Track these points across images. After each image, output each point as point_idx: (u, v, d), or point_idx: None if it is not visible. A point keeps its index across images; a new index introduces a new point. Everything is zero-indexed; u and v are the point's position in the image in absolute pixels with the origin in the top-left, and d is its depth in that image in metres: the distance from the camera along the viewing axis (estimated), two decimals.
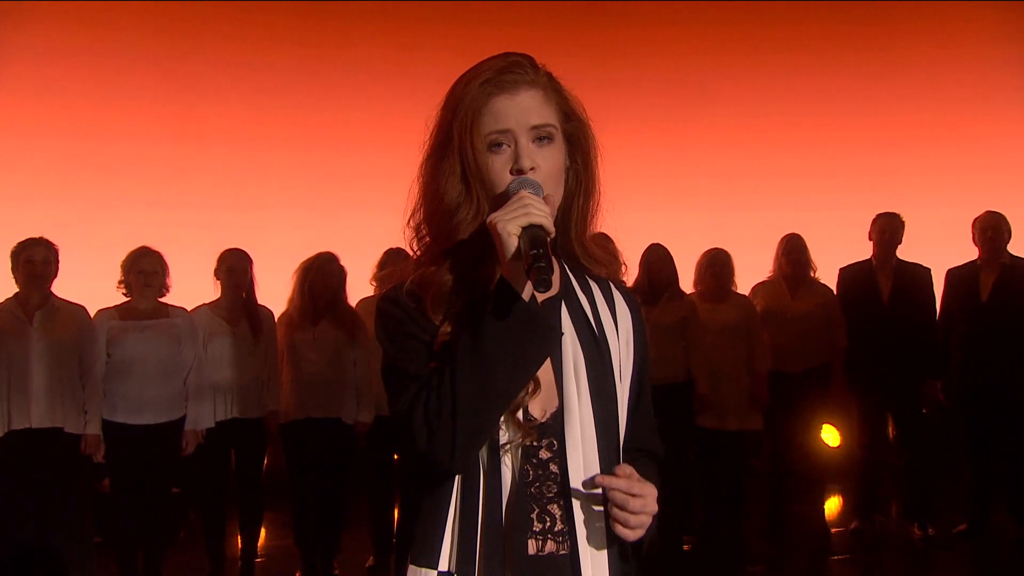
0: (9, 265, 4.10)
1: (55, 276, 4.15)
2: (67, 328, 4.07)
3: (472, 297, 1.30)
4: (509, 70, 1.32)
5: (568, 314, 1.37)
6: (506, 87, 1.31)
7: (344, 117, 6.16)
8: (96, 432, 4.05)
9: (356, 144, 6.16)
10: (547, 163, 1.32)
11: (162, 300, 4.29)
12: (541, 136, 1.32)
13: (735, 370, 4.90)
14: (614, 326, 1.40)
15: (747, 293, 5.19)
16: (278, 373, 4.45)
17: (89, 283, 4.48)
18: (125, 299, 4.26)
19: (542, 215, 1.21)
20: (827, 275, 5.19)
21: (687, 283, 5.05)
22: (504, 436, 1.29)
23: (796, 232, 5.18)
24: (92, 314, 4.19)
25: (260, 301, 4.50)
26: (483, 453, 1.28)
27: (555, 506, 1.31)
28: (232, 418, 4.33)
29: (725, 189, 6.85)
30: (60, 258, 4.18)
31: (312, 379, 4.36)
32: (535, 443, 1.31)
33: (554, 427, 1.31)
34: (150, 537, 4.16)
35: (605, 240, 1.50)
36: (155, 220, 5.27)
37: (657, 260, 4.89)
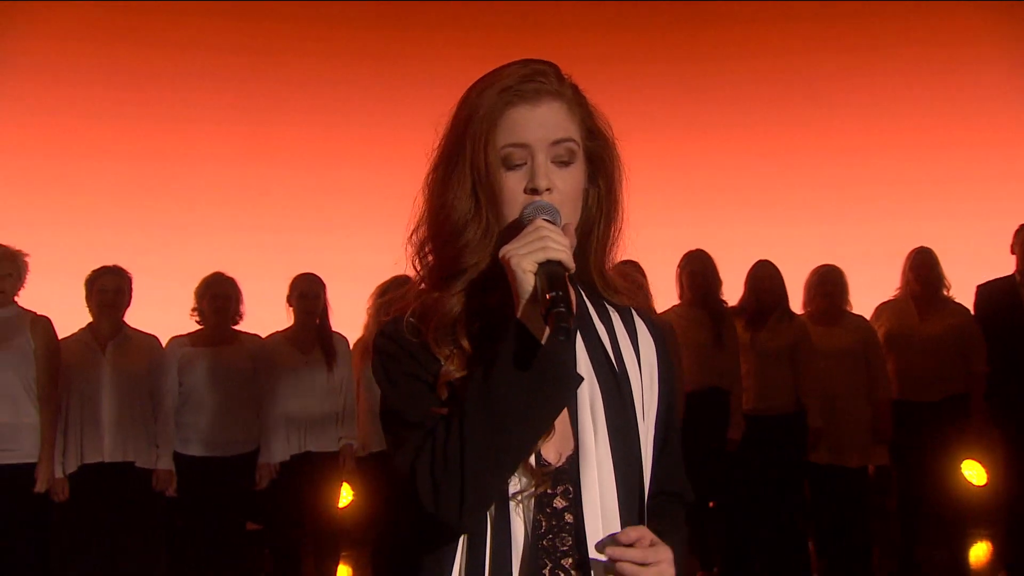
0: (84, 294, 4.10)
1: (128, 305, 4.14)
2: (139, 359, 4.04)
3: (479, 331, 1.20)
4: (531, 78, 1.23)
5: (584, 346, 1.27)
6: (527, 97, 1.22)
7: (422, 136, 6.05)
8: (168, 467, 4.00)
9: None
10: (566, 184, 1.22)
11: (235, 327, 4.22)
12: (561, 154, 1.23)
13: (853, 399, 4.57)
14: (636, 359, 1.31)
15: (870, 314, 4.83)
16: (354, 404, 4.31)
17: (164, 311, 4.46)
18: (198, 327, 4.22)
19: (561, 249, 1.12)
20: (962, 293, 4.77)
21: (797, 303, 4.76)
22: (515, 485, 1.19)
23: (925, 246, 4.77)
24: (165, 343, 4.16)
25: (335, 328, 4.38)
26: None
27: (569, 560, 1.21)
28: (306, 451, 4.21)
29: (840, 199, 6.43)
30: (134, 286, 4.16)
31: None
32: (549, 491, 1.21)
33: (570, 472, 1.21)
34: (222, 574, 4.07)
35: (631, 269, 1.33)
36: (228, 245, 5.26)
37: (765, 278, 4.64)
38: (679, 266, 4.78)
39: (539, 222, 1.15)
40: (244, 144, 5.91)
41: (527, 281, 1.11)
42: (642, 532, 1.19)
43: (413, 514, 1.17)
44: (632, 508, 1.23)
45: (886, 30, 6.50)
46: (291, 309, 4.36)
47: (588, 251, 1.31)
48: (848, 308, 4.73)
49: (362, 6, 6.29)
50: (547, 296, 1.07)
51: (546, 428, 1.17)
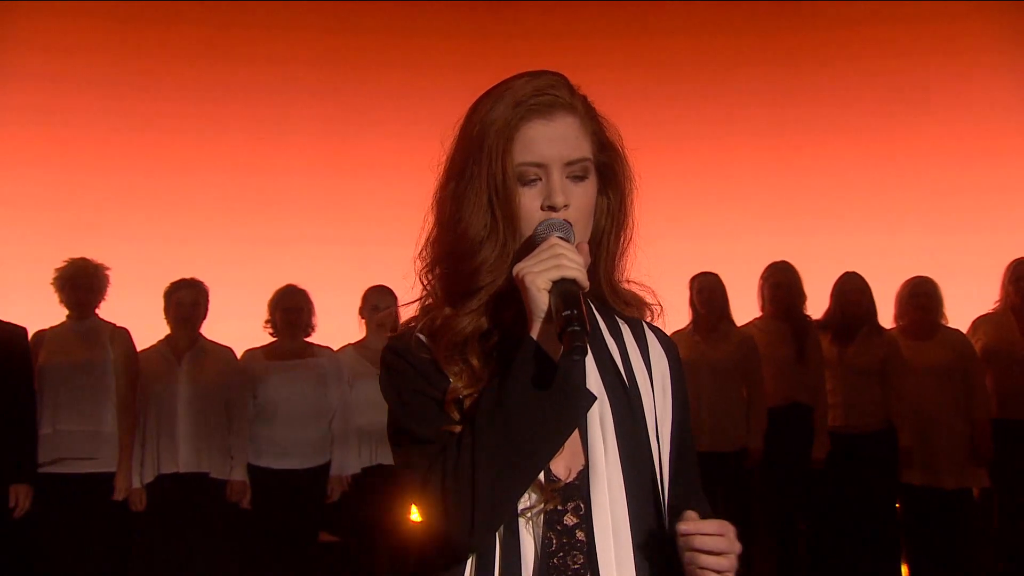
0: (162, 306, 4.20)
1: (204, 318, 4.23)
2: (214, 370, 4.12)
3: (492, 349, 1.20)
4: (544, 91, 1.22)
5: (594, 360, 1.25)
6: (541, 111, 1.21)
7: None
8: (242, 478, 4.06)
9: None
10: (580, 201, 1.22)
11: (308, 340, 4.27)
12: (576, 171, 1.22)
13: (948, 418, 4.40)
14: (647, 372, 1.30)
15: (966, 328, 4.60)
16: None
17: (241, 323, 4.54)
18: (272, 339, 4.28)
19: (575, 267, 1.12)
20: None
21: (887, 317, 4.59)
22: (525, 501, 1.17)
23: None
24: (240, 355, 4.24)
25: None
26: None
27: None
28: (378, 464, 4.22)
29: (935, 208, 6.17)
30: (210, 298, 4.25)
31: None
32: (559, 507, 1.19)
33: (581, 488, 1.20)
34: None
35: (635, 286, 1.35)
36: (302, 257, 5.33)
37: (853, 291, 4.51)
38: (762, 278, 4.68)
39: (553, 240, 1.15)
40: (320, 157, 6.00)
41: (541, 299, 1.11)
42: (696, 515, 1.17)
43: (422, 532, 1.16)
44: (645, 524, 1.21)
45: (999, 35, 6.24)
46: (363, 321, 4.39)
47: (598, 263, 1.30)
48: (943, 322, 4.56)
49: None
50: (562, 315, 1.07)
51: (558, 447, 1.17)
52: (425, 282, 1.27)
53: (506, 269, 1.19)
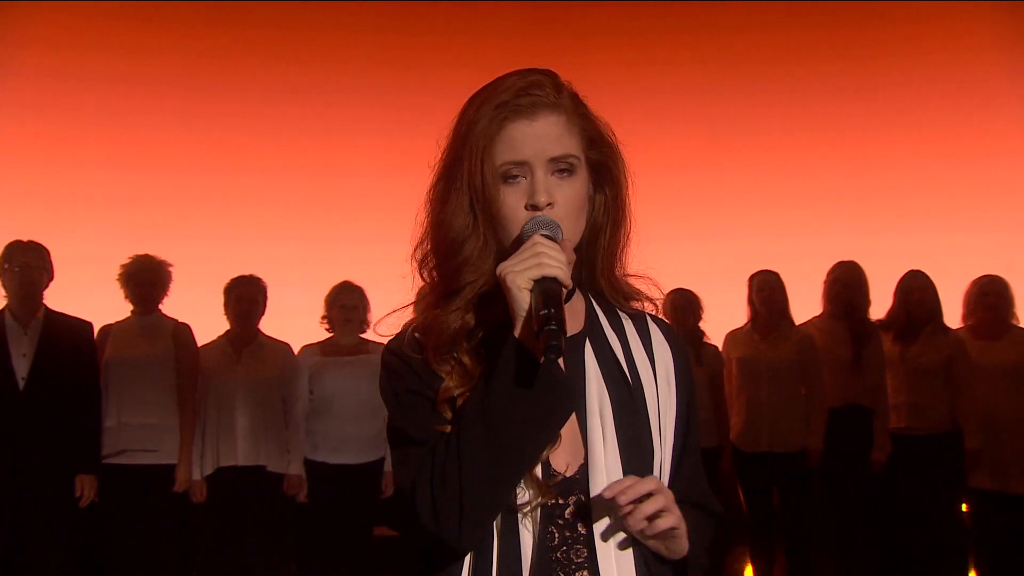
0: (222, 302, 4.31)
1: (263, 314, 4.32)
2: (272, 365, 4.21)
3: (480, 347, 1.20)
4: (527, 91, 1.22)
5: (593, 353, 1.27)
6: (523, 111, 1.21)
7: None
8: (299, 472, 4.14)
9: None
10: (566, 198, 1.22)
11: (363, 336, 4.33)
12: (561, 167, 1.23)
13: (1018, 420, 4.26)
14: (650, 366, 1.30)
15: None
16: None
17: (298, 319, 4.62)
18: (328, 335, 4.35)
19: (557, 265, 1.12)
20: None
21: (953, 317, 4.49)
22: (522, 496, 1.19)
23: None
24: (297, 351, 4.32)
25: None
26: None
27: (584, 573, 1.20)
28: None
29: (1003, 204, 5.99)
30: (269, 294, 4.34)
31: None
32: (560, 501, 1.21)
33: (582, 482, 1.21)
34: None
35: (636, 280, 1.36)
36: (358, 254, 5.40)
37: (917, 289, 4.41)
38: (827, 275, 4.59)
39: (536, 238, 1.15)
40: (380, 157, 6.08)
41: (523, 298, 1.11)
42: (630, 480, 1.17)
43: (417, 531, 1.17)
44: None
45: None
46: None
47: (596, 258, 1.32)
48: (1014, 322, 4.44)
49: None
50: (540, 314, 1.07)
51: (545, 445, 1.17)
52: (423, 281, 1.29)
53: (489, 267, 1.21)
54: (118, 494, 3.85)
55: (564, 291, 1.13)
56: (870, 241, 5.47)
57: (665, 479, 1.26)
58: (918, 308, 4.38)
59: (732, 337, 4.63)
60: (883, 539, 4.38)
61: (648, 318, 1.36)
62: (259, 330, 4.31)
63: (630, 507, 1.15)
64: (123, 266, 4.13)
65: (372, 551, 4.48)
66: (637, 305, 1.35)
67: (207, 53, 5.91)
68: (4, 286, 3.77)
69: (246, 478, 4.06)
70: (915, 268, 4.48)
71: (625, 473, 1.20)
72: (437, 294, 1.25)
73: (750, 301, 4.58)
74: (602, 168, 1.29)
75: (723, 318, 4.78)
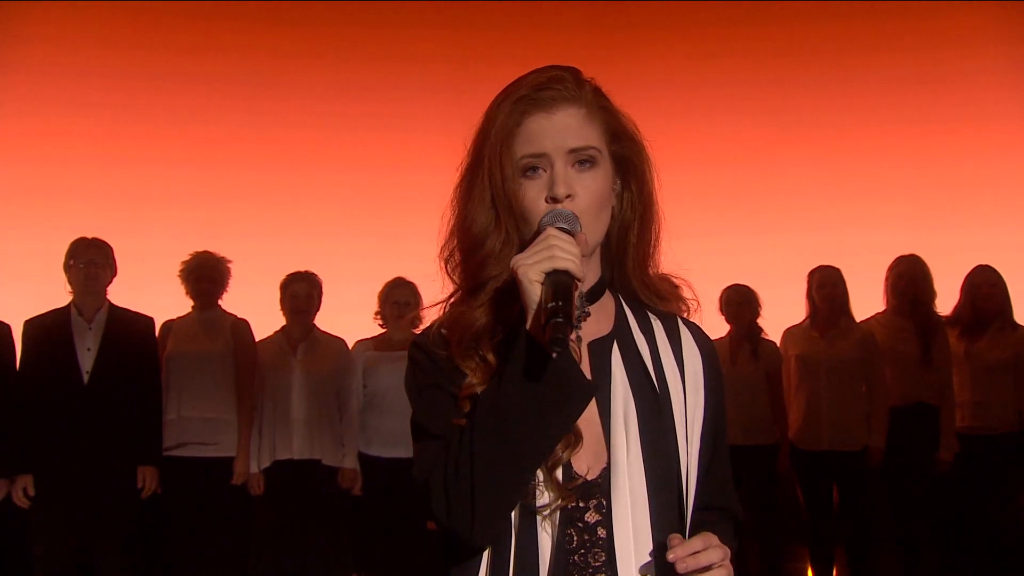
0: (279, 297, 4.40)
1: (317, 310, 4.39)
2: (326, 361, 4.28)
3: (502, 343, 1.19)
4: (547, 86, 1.23)
5: (620, 356, 1.26)
6: (542, 105, 1.22)
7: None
8: (353, 466, 4.21)
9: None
10: (587, 191, 1.22)
11: (416, 332, 4.37)
12: (582, 160, 1.22)
13: None
14: (678, 370, 1.29)
15: None
16: None
17: (352, 314, 4.69)
18: (382, 330, 4.41)
19: (569, 258, 1.10)
20: None
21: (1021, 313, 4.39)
22: (541, 498, 1.18)
23: None
24: (351, 346, 4.39)
25: None
26: (514, 517, 1.18)
27: None
28: None
29: None
30: (323, 290, 4.41)
31: None
32: (580, 504, 1.20)
33: (604, 486, 1.21)
34: (407, 572, 4.22)
35: (669, 280, 1.35)
36: (411, 251, 5.45)
37: (984, 284, 4.31)
38: (888, 271, 4.51)
39: (549, 231, 1.14)
40: (434, 153, 6.10)
41: (534, 291, 1.11)
42: (704, 540, 1.17)
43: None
44: (668, 524, 1.21)
45: None
46: None
47: (626, 256, 1.31)
48: None
49: None
50: (547, 306, 1.06)
51: (557, 440, 1.16)
52: (451, 278, 1.29)
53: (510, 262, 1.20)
54: (178, 486, 3.97)
55: (577, 284, 1.11)
56: (932, 235, 5.35)
57: (691, 485, 1.25)
58: (987, 304, 4.27)
59: (790, 333, 4.57)
60: (947, 541, 4.29)
61: (679, 321, 1.34)
62: (314, 325, 4.39)
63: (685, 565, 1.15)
64: (184, 263, 4.25)
65: (425, 543, 4.53)
66: (669, 306, 1.34)
67: (268, 51, 6.02)
68: (70, 282, 3.90)
69: (301, 471, 4.14)
70: (983, 263, 4.37)
71: (648, 479, 1.20)
72: (462, 290, 1.26)
73: (809, 297, 4.52)
74: (626, 163, 1.28)
75: (781, 314, 4.72)
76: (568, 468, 1.19)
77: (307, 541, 4.13)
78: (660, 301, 1.33)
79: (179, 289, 4.27)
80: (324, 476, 4.16)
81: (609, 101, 1.28)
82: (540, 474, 1.17)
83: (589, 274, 1.26)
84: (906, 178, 6.08)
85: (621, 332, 1.29)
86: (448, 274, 1.30)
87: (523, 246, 1.19)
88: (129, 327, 3.93)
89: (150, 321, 4.03)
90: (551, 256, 1.10)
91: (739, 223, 6.00)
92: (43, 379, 3.75)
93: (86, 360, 3.81)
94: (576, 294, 1.11)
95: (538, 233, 1.18)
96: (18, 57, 5.57)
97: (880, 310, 4.54)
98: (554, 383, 1.11)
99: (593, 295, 1.29)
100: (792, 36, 6.23)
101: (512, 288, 1.18)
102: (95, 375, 3.79)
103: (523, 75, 1.26)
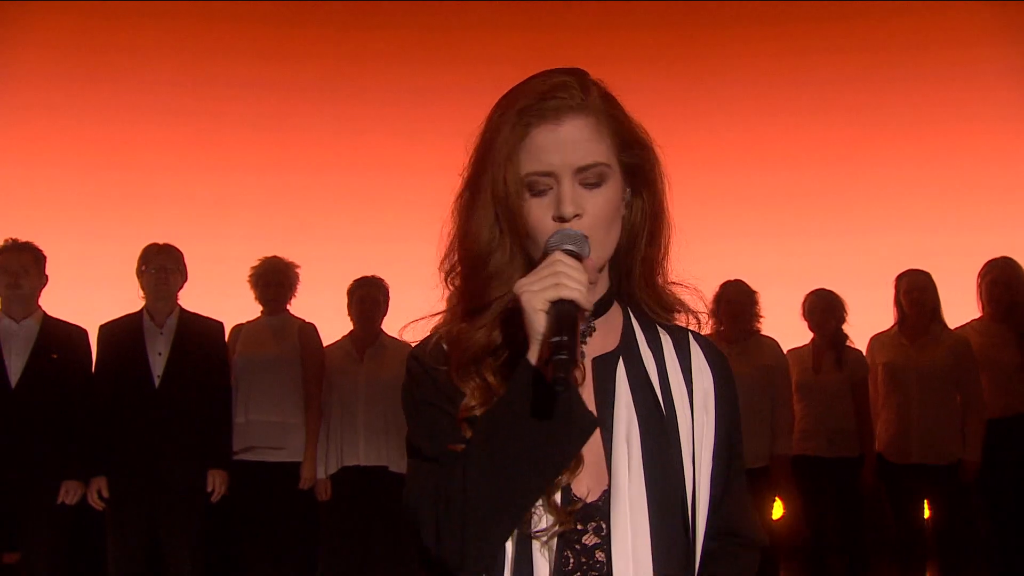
0: (346, 302, 4.44)
1: (385, 314, 4.42)
2: (394, 366, 4.29)
3: (505, 365, 1.16)
4: (552, 94, 1.17)
5: (626, 374, 1.22)
6: (548, 116, 1.16)
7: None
8: None
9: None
10: (596, 208, 1.17)
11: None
12: (589, 177, 1.17)
13: None
14: (686, 390, 1.24)
15: None
16: None
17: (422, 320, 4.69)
18: None
19: (576, 287, 1.06)
20: None
21: None
22: (539, 522, 1.14)
23: None
24: None
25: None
26: (510, 542, 1.14)
27: None
28: None
29: None
30: (391, 295, 4.44)
31: None
32: (579, 526, 1.17)
33: (604, 509, 1.17)
34: None
35: (681, 289, 1.29)
36: None
37: None
38: (979, 275, 4.32)
39: (556, 256, 1.10)
40: None
41: (538, 320, 1.07)
42: None
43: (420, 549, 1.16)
44: (670, 551, 1.17)
45: None
46: None
47: (633, 268, 1.26)
48: None
49: None
50: (551, 341, 1.03)
51: (553, 478, 1.13)
52: (450, 289, 1.26)
53: (515, 283, 1.16)
54: (246, 490, 4.03)
55: (586, 313, 1.08)
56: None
57: (701, 510, 1.21)
58: None
59: (878, 341, 4.43)
60: None
61: (690, 335, 1.30)
62: (381, 331, 4.41)
63: None
64: (253, 268, 4.33)
65: None
66: (680, 319, 1.30)
67: (343, 57, 6.12)
68: (142, 287, 4.01)
69: (368, 478, 4.17)
70: None
71: (650, 504, 1.16)
72: (464, 307, 1.22)
73: (897, 302, 4.38)
74: (637, 171, 1.23)
75: (868, 320, 4.57)
76: (567, 491, 1.16)
77: (374, 548, 4.15)
78: (668, 314, 1.29)
79: (249, 294, 4.34)
80: (391, 483, 4.17)
81: (618, 106, 1.22)
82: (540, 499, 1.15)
83: (599, 287, 1.23)
84: (998, 178, 5.83)
85: (627, 348, 1.25)
86: (448, 287, 1.27)
87: (529, 265, 1.17)
88: (199, 332, 4.01)
89: (220, 326, 4.10)
90: (557, 284, 1.07)
91: (824, 225, 5.83)
92: (116, 383, 3.85)
93: (157, 364, 3.90)
94: (581, 326, 1.07)
95: (545, 255, 1.14)
96: (100, 65, 5.77)
97: (975, 316, 4.35)
98: (558, 422, 1.08)
99: (600, 308, 1.25)
100: (885, 31, 6.05)
101: (517, 311, 1.13)
102: (166, 379, 3.87)
103: (525, 80, 1.21)
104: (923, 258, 4.54)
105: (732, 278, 4.41)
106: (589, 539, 1.17)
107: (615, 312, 1.28)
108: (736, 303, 4.35)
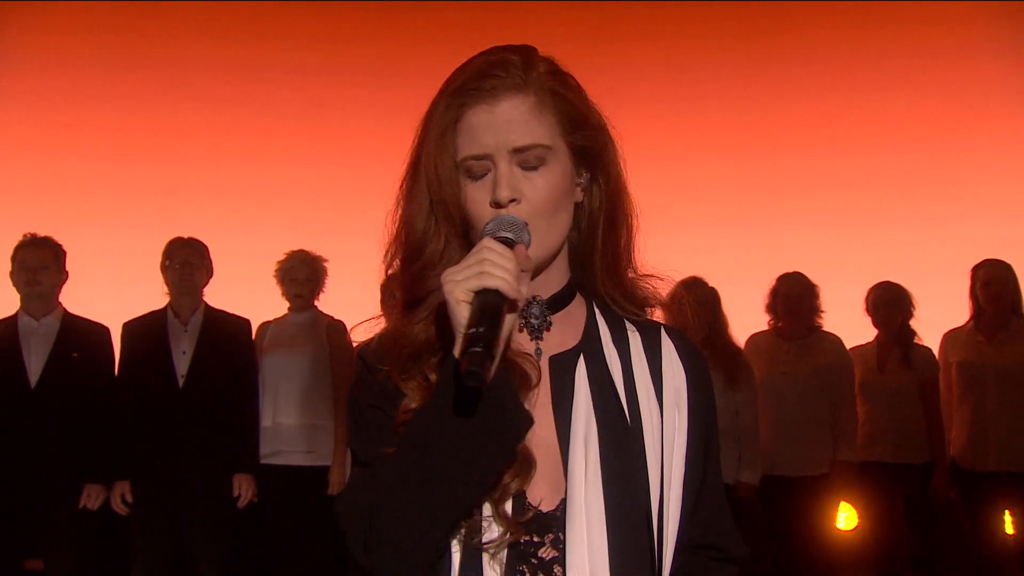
0: (379, 299, 4.28)
1: None
2: None
3: (440, 363, 1.10)
4: (490, 72, 1.11)
5: (586, 373, 1.17)
6: (483, 96, 1.11)
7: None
8: None
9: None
10: (537, 192, 1.11)
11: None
12: (528, 159, 1.11)
13: None
14: (654, 389, 1.18)
15: None
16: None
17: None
18: None
19: (501, 275, 1.00)
20: None
21: None
22: (488, 533, 1.08)
23: None
24: None
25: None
26: (456, 555, 1.07)
27: None
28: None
29: None
30: None
31: None
32: (535, 538, 1.10)
33: (562, 519, 1.11)
34: None
35: (650, 283, 1.23)
36: None
37: None
38: None
39: (484, 243, 1.04)
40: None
41: (461, 312, 1.00)
42: None
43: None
44: (632, 565, 1.10)
45: None
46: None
47: (593, 259, 1.20)
48: None
49: None
50: (467, 333, 0.97)
51: (486, 482, 1.05)
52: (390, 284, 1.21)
53: None
54: (274, 494, 3.91)
55: (518, 303, 1.01)
56: None
57: (671, 519, 1.14)
58: None
59: (951, 338, 4.21)
60: None
61: (663, 330, 1.23)
62: None
63: None
64: (279, 262, 4.20)
65: None
66: (648, 314, 1.23)
67: (380, 43, 6.00)
68: (166, 283, 3.91)
69: None
70: None
71: (608, 512, 1.09)
72: (403, 300, 1.17)
73: (973, 296, 4.15)
74: (590, 154, 1.16)
75: (938, 316, 4.34)
76: (521, 499, 1.09)
77: None
78: (638, 309, 1.22)
79: (276, 289, 4.21)
80: None
81: (569, 85, 1.15)
82: (487, 507, 1.07)
83: (554, 279, 1.18)
84: None
85: (589, 346, 1.19)
86: (388, 278, 1.22)
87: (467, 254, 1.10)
88: (225, 330, 3.91)
89: (246, 323, 3.99)
90: (480, 272, 1.00)
91: (889, 212, 5.55)
92: (139, 383, 3.76)
93: (181, 364, 3.80)
94: (505, 317, 1.00)
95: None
96: (121, 53, 5.71)
97: None
98: (477, 419, 1.01)
99: (558, 302, 1.19)
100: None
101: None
102: (190, 379, 3.77)
103: (470, 59, 1.14)
104: (1001, 248, 4.30)
105: (790, 270, 4.22)
106: (546, 552, 1.11)
107: (577, 307, 1.22)
108: (794, 297, 4.14)
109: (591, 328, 1.20)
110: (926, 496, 4.14)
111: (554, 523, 1.11)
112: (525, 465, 1.08)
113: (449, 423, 1.02)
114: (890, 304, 4.25)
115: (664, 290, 1.24)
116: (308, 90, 5.88)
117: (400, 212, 1.18)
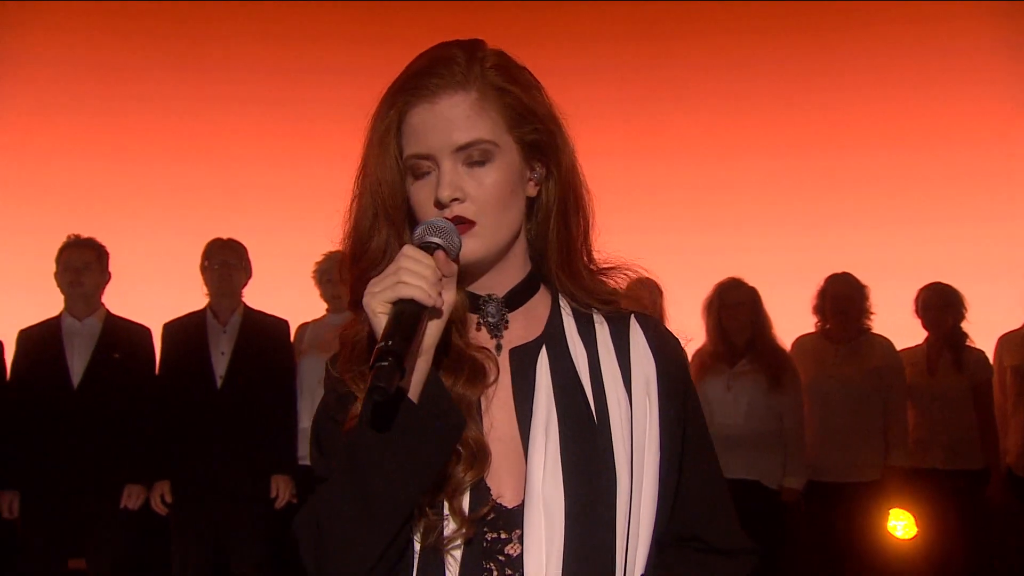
0: None
1: None
2: None
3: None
4: (431, 70, 1.11)
5: (548, 365, 1.15)
6: (424, 94, 1.10)
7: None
8: None
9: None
10: (482, 189, 1.10)
11: None
12: (472, 155, 1.10)
13: None
14: (622, 379, 1.16)
15: None
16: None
17: None
18: None
19: (416, 284, 0.99)
20: None
21: None
22: (447, 530, 1.07)
23: None
24: None
25: None
26: (415, 556, 1.07)
27: None
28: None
29: None
30: None
31: (727, 434, 3.82)
32: (501, 535, 1.10)
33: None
34: None
35: (643, 287, 1.15)
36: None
37: None
38: None
39: (404, 250, 1.03)
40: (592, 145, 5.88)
41: (378, 324, 0.99)
42: None
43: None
44: (588, 561, 1.07)
45: None
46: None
47: (548, 250, 1.19)
48: None
49: None
50: (377, 345, 0.94)
51: (418, 492, 1.04)
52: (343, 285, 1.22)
53: None
54: (309, 496, 3.90)
55: (440, 310, 1.01)
56: None
57: (644, 511, 1.12)
58: None
59: (1007, 341, 4.13)
60: None
61: (633, 318, 1.21)
62: None
63: None
64: (317, 263, 4.20)
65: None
66: (612, 307, 1.20)
67: (398, 43, 5.98)
68: (205, 284, 3.94)
69: None
70: None
71: (568, 510, 1.07)
72: (350, 301, 1.16)
73: None
74: (541, 147, 1.15)
75: (992, 318, 4.25)
76: (484, 494, 1.08)
77: None
78: (599, 303, 1.19)
79: (315, 291, 4.22)
80: None
81: (516, 79, 1.13)
82: (446, 504, 1.07)
83: (510, 274, 1.17)
84: None
85: (552, 338, 1.17)
86: (342, 279, 1.22)
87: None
88: (264, 331, 3.92)
89: (285, 324, 4.01)
90: (396, 283, 0.99)
91: (940, 212, 5.42)
92: (178, 384, 3.80)
93: (220, 364, 3.83)
94: (424, 325, 1.00)
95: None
96: (174, 55, 5.78)
97: None
98: (402, 431, 1.00)
99: (517, 297, 1.18)
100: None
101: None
102: (228, 380, 3.80)
103: (416, 56, 1.14)
104: None
105: (838, 271, 4.14)
106: (514, 548, 1.09)
107: (541, 300, 1.21)
108: (844, 299, 4.05)
109: (554, 321, 1.19)
110: (981, 504, 4.04)
111: (520, 518, 1.09)
112: (480, 456, 1.07)
113: (371, 438, 1.01)
114: (940, 306, 4.16)
115: (625, 283, 1.22)
116: (350, 92, 5.87)
117: (349, 211, 1.18)
